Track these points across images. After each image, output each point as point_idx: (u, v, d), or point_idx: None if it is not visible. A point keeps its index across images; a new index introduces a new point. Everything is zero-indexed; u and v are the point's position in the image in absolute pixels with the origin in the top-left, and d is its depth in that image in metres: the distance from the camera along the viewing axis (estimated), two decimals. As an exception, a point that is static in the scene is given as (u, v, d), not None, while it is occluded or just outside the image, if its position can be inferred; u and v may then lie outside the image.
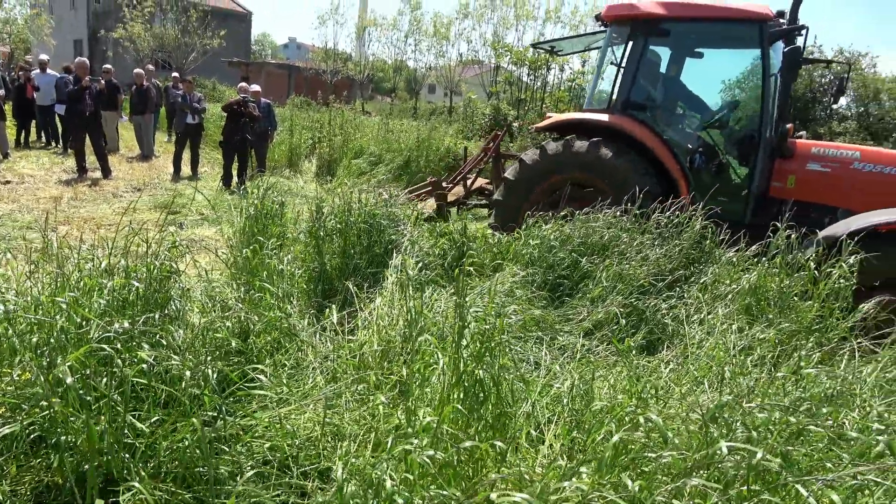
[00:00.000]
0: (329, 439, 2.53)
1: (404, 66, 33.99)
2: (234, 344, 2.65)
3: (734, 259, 4.58)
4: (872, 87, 34.27)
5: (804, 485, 1.58)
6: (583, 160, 5.53)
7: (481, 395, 2.33)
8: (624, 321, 3.70)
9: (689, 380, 3.08)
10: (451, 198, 7.53)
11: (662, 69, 6.32)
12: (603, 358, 3.61)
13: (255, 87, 11.01)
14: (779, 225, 4.42)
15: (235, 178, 9.94)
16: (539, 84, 17.15)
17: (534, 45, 7.95)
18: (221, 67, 33.14)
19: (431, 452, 1.88)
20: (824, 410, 1.99)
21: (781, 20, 5.43)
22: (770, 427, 1.93)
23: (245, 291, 3.16)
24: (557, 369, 3.24)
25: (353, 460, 2.12)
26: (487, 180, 7.90)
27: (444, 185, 7.48)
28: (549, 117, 6.40)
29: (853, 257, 4.19)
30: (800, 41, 5.39)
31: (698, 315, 4.07)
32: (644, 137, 5.53)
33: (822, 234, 4.60)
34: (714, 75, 7.10)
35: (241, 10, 42.19)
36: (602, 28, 6.28)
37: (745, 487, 1.59)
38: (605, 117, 5.70)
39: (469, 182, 7.69)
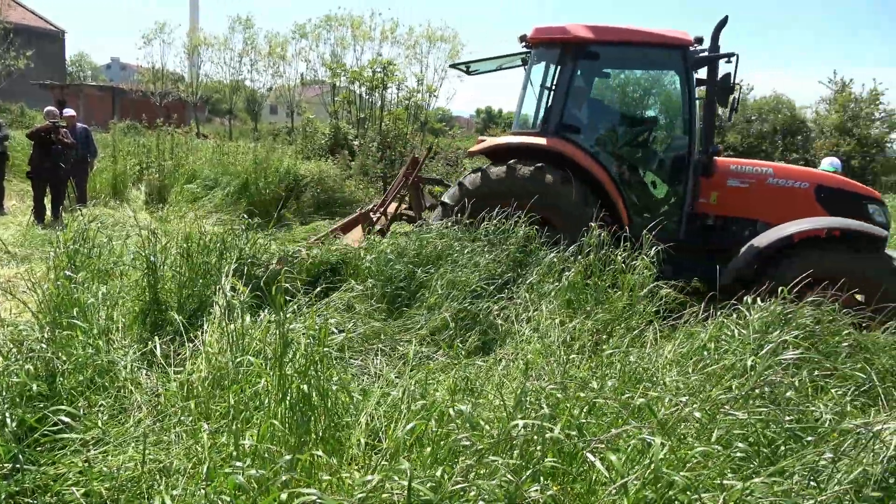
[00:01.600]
0: (154, 476, 2.41)
1: (242, 86, 32.81)
2: (35, 387, 2.44)
3: (555, 259, 4.98)
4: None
5: (592, 452, 1.79)
6: (528, 186, 5.41)
7: (309, 410, 2.36)
8: (454, 325, 3.89)
9: (519, 373, 3.31)
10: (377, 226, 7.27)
11: (589, 92, 6.43)
12: (439, 363, 3.77)
13: (69, 112, 10.11)
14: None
15: (50, 212, 9.04)
16: (379, 103, 17.42)
17: (452, 66, 7.93)
18: (32, 90, 29.94)
19: (253, 472, 1.88)
20: (612, 384, 2.25)
21: (700, 46, 5.62)
22: (568, 404, 2.15)
23: (51, 331, 2.91)
24: (393, 378, 3.33)
25: (176, 492, 2.05)
26: (406, 205, 7.54)
27: (371, 215, 7.04)
28: (482, 140, 6.25)
29: (653, 250, 4.78)
30: (729, 67, 5.55)
31: (526, 314, 4.38)
32: (581, 160, 5.59)
33: (744, 250, 5.15)
34: (635, 98, 7.39)
35: (52, 28, 38.49)
36: (521, 50, 6.32)
37: (544, 460, 1.78)
38: (542, 141, 5.65)
39: (390, 209, 7.21)
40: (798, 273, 4.56)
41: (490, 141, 6.12)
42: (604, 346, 3.41)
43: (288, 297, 3.42)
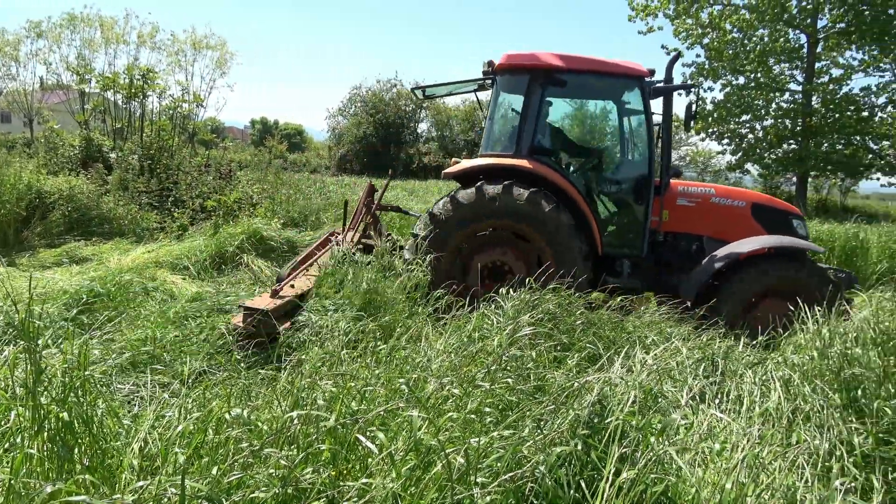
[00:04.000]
0: None
1: (-41, 90, 27.79)
2: None
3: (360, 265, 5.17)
4: (445, 115, 41.43)
5: (361, 433, 1.99)
6: (521, 208, 5.56)
7: (71, 439, 2.22)
8: (232, 339, 3.87)
9: (301, 377, 3.40)
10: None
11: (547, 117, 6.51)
12: (218, 377, 3.71)
13: None
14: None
15: None
16: (139, 112, 15.98)
17: (413, 89, 7.45)
18: None
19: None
20: (380, 374, 2.49)
21: (652, 77, 6.06)
22: (344, 397, 2.34)
23: None
24: (167, 398, 3.22)
25: None
26: (363, 233, 6.78)
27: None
28: (457, 162, 6.22)
29: (428, 257, 5.23)
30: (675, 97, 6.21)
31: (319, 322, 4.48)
32: (557, 181, 5.79)
33: (701, 267, 5.67)
34: (597, 123, 7.55)
35: None
36: (483, 77, 6.42)
37: (319, 447, 1.93)
38: (523, 162, 5.79)
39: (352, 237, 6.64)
40: (748, 286, 5.42)
41: (467, 163, 6.12)
42: (381, 345, 3.66)
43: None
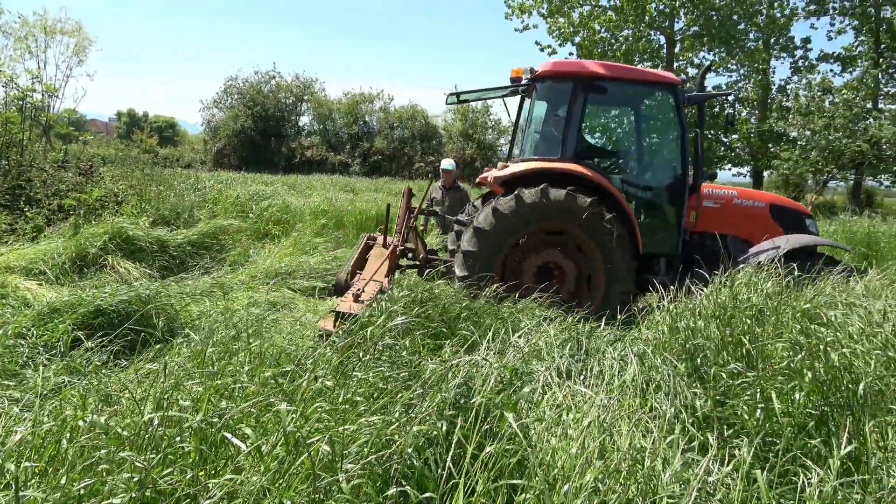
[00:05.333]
0: None
1: None
2: None
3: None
4: (327, 108, 40.74)
5: (228, 429, 1.97)
6: (560, 207, 5.69)
7: None
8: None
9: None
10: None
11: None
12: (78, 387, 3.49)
13: None
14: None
15: None
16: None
17: (448, 94, 7.29)
18: None
19: None
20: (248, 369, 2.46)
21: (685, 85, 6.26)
22: (210, 395, 2.29)
23: None
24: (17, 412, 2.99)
25: None
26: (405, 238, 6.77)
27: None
28: (506, 166, 6.28)
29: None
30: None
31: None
32: (603, 183, 5.95)
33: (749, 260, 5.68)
34: (635, 128, 7.44)
35: None
36: (513, 84, 6.68)
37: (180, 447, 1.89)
38: (574, 166, 5.92)
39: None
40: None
41: (517, 167, 6.18)
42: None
43: None
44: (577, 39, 27.90)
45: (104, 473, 1.66)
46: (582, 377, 3.65)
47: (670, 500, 2.15)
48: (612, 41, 27.48)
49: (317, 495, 1.68)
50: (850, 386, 2.88)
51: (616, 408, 2.54)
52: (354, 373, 2.52)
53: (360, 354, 2.72)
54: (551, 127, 6.62)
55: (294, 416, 2.06)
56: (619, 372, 3.61)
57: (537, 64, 6.53)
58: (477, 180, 7.29)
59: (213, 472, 2.02)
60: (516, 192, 5.73)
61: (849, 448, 2.23)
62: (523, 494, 1.80)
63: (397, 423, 2.00)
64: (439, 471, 2.00)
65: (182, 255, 8.10)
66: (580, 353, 3.88)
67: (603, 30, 27.40)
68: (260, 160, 37.42)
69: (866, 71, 24.10)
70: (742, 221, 6.59)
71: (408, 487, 1.87)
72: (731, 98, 7.39)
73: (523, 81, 6.68)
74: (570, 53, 28.58)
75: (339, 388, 2.44)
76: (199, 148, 44.34)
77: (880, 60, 26.48)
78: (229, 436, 1.86)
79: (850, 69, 27.84)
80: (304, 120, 42.97)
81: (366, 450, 1.86)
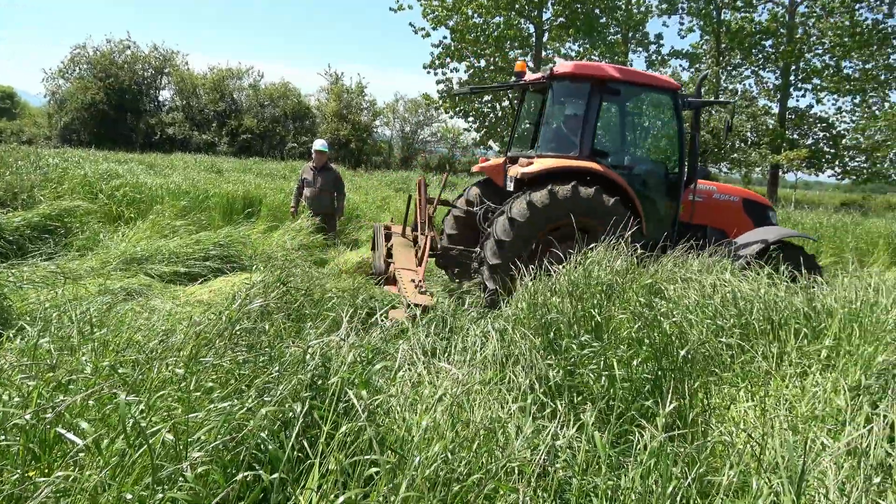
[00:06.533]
0: None
1: None
2: None
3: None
4: (190, 82, 38.26)
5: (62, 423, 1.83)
6: (589, 205, 6.00)
7: None
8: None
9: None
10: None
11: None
12: None
13: None
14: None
15: None
16: None
17: (461, 87, 6.57)
18: None
19: None
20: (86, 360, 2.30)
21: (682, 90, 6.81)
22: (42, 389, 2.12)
23: None
24: None
25: None
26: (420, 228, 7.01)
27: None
28: (531, 163, 6.44)
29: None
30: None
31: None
32: (617, 180, 6.36)
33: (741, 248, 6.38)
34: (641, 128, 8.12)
35: None
36: (514, 81, 7.19)
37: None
38: (591, 164, 6.33)
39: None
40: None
41: (541, 165, 6.42)
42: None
43: None
44: (451, 23, 28.23)
45: None
46: (446, 354, 3.77)
47: (521, 464, 2.30)
48: (485, 27, 28.08)
49: (159, 486, 1.61)
50: (678, 352, 3.19)
51: (469, 381, 2.65)
52: (207, 359, 2.43)
53: (216, 341, 2.63)
54: (564, 125, 7.13)
55: (138, 406, 1.96)
56: (481, 348, 3.77)
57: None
58: (474, 168, 7.76)
59: (46, 470, 1.89)
60: (549, 187, 6.09)
61: (671, 406, 2.47)
62: (374, 468, 1.84)
63: (249, 408, 1.96)
64: (294, 453, 1.99)
65: (20, 240, 7.33)
66: (444, 332, 4.00)
67: (476, 15, 27.91)
68: (115, 137, 34.47)
69: (709, 67, 26.49)
70: (720, 214, 7.30)
71: (261, 471, 1.85)
72: (729, 106, 8.37)
73: (526, 78, 7.16)
74: (444, 37, 28.92)
75: (191, 376, 2.35)
76: (42, 122, 39.99)
77: (720, 59, 29.23)
78: (62, 431, 1.74)
79: (696, 66, 30.52)
80: (165, 95, 40.04)
81: (212, 435, 1.81)
